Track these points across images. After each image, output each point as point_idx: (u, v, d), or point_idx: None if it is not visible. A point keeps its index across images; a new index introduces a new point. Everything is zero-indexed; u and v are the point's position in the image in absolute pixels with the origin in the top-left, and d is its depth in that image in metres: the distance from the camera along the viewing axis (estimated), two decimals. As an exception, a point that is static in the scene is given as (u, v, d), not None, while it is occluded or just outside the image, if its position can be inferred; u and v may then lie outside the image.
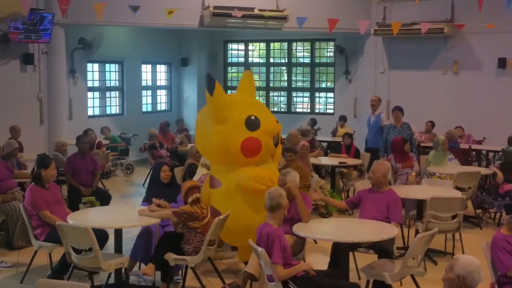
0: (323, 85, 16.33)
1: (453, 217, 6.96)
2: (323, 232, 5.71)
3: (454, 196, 7.11)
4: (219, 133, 6.20)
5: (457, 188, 8.25)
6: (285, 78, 16.73)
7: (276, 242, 4.74)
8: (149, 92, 16.29)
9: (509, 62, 12.88)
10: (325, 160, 10.60)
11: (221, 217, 5.92)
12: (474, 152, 11.86)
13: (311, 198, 6.41)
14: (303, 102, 16.69)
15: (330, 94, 16.04)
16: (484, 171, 9.59)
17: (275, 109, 16.75)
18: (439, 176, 9.03)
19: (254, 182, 6.01)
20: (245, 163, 6.20)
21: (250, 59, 17.28)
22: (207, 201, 6.40)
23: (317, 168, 10.55)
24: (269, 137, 6.21)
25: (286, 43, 16.52)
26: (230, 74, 17.55)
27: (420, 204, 7.35)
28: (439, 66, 13.70)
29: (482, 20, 10.74)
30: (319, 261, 6.44)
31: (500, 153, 11.31)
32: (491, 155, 12.30)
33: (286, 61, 16.71)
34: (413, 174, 8.96)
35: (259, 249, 4.78)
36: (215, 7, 12.75)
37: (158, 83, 16.63)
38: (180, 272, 6.19)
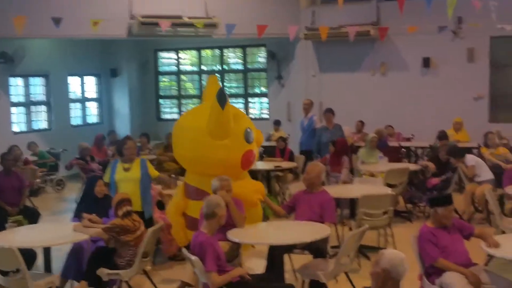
0: (257, 90, 16.49)
1: (384, 213, 7.11)
2: (257, 236, 5.77)
3: (384, 193, 7.30)
4: (223, 147, 6.21)
5: (388, 184, 8.48)
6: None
7: (210, 250, 4.77)
8: (78, 105, 15.95)
9: (432, 61, 13.44)
10: (260, 165, 10.62)
11: (155, 228, 5.90)
12: (403, 149, 12.20)
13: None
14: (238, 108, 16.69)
15: (264, 99, 16.19)
16: (412, 167, 9.88)
17: (210, 117, 16.75)
18: (371, 174, 9.27)
19: (258, 195, 6.22)
20: (238, 175, 6.26)
21: (182, 67, 17.22)
22: (181, 211, 6.34)
23: (253, 173, 10.50)
24: (258, 147, 6.45)
25: (218, 50, 16.55)
26: (162, 83, 17.44)
27: (352, 203, 7.51)
28: (368, 67, 14.11)
29: (406, 22, 11.07)
30: (256, 265, 6.48)
31: (428, 149, 11.70)
32: (420, 151, 12.70)
33: (219, 68, 16.73)
34: (341, 182, 9.16)
35: (193, 257, 4.80)
36: (143, 16, 12.64)
37: (88, 95, 16.29)
38: (115, 287, 6.04)
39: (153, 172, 6.97)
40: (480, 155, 9.93)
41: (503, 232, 6.58)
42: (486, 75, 13.19)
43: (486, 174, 8.80)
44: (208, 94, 6.79)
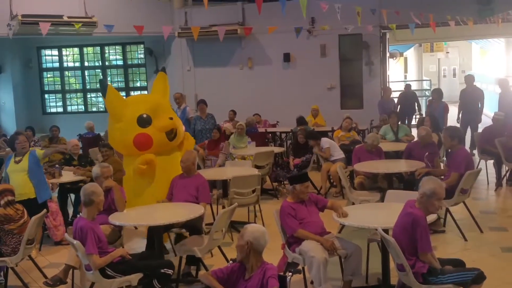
0: (138, 84, 16.06)
1: (253, 191, 7.09)
2: (137, 218, 5.57)
3: (252, 174, 7.28)
4: (118, 129, 6.44)
5: (256, 166, 8.43)
6: (101, 79, 16.21)
7: (90, 234, 4.58)
8: (-37, 101, 14.73)
9: (292, 56, 13.78)
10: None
11: (38, 216, 5.56)
12: (270, 135, 12.28)
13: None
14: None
15: (144, 92, 15.74)
16: (277, 149, 9.97)
17: (94, 109, 16.26)
18: (242, 157, 9.29)
19: (138, 163, 6.25)
20: (135, 155, 6.40)
21: (65, 64, 16.36)
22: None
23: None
24: (161, 132, 6.36)
25: (99, 47, 15.91)
26: (46, 79, 16.47)
27: (225, 184, 7.43)
28: (236, 62, 14.23)
29: (268, 22, 11.23)
30: (138, 245, 6.30)
31: (290, 133, 11.79)
32: (284, 135, 12.77)
33: (100, 64, 16.11)
34: (216, 166, 9.17)
35: (75, 241, 4.58)
36: (23, 16, 11.83)
37: (-29, 92, 15.07)
38: (2, 273, 5.70)
39: (39, 153, 6.69)
40: (336, 138, 10.09)
41: (353, 203, 6.71)
42: (337, 68, 13.68)
43: (338, 153, 8.99)
44: (154, 87, 7.03)
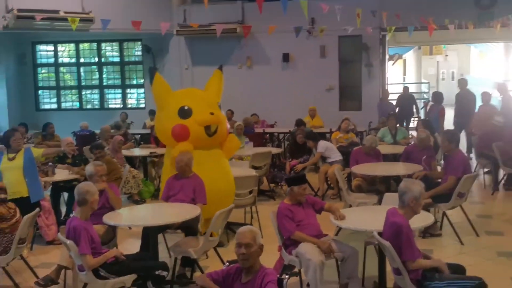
0: (134, 81, 15.99)
1: (250, 192, 7.11)
2: (132, 219, 5.56)
3: (249, 175, 7.30)
4: (160, 118, 6.76)
5: (253, 167, 8.43)
6: (97, 76, 16.11)
7: (83, 234, 4.55)
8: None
9: (291, 56, 13.82)
10: (137, 151, 10.32)
11: (30, 214, 5.49)
12: (268, 135, 12.28)
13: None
14: (115, 98, 16.20)
15: (141, 90, 15.80)
16: (275, 150, 9.95)
17: (89, 106, 16.26)
18: (240, 158, 9.23)
19: (174, 153, 6.26)
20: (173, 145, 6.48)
21: (60, 60, 16.26)
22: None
23: (131, 160, 10.28)
24: (200, 126, 6.40)
25: (95, 43, 15.82)
26: (41, 75, 16.33)
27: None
28: (235, 61, 14.16)
29: (267, 22, 11.06)
30: (132, 246, 6.21)
31: (288, 134, 11.80)
32: (281, 136, 12.83)
33: (97, 60, 16.03)
34: None
35: (68, 241, 4.55)
36: (19, 10, 11.75)
37: (-36, 86, 14.83)
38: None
39: (37, 151, 6.61)
40: (333, 139, 10.13)
41: (350, 206, 6.72)
42: (336, 69, 13.69)
43: (336, 155, 8.98)
44: (207, 84, 7.09)
